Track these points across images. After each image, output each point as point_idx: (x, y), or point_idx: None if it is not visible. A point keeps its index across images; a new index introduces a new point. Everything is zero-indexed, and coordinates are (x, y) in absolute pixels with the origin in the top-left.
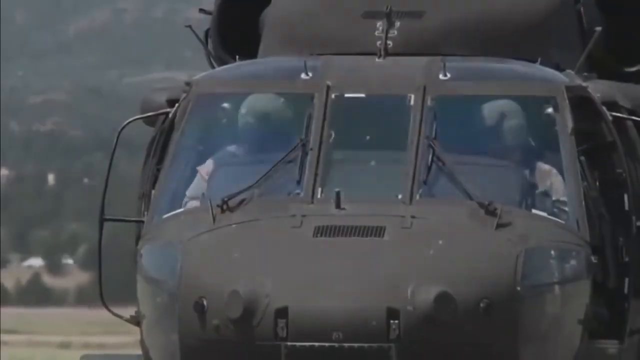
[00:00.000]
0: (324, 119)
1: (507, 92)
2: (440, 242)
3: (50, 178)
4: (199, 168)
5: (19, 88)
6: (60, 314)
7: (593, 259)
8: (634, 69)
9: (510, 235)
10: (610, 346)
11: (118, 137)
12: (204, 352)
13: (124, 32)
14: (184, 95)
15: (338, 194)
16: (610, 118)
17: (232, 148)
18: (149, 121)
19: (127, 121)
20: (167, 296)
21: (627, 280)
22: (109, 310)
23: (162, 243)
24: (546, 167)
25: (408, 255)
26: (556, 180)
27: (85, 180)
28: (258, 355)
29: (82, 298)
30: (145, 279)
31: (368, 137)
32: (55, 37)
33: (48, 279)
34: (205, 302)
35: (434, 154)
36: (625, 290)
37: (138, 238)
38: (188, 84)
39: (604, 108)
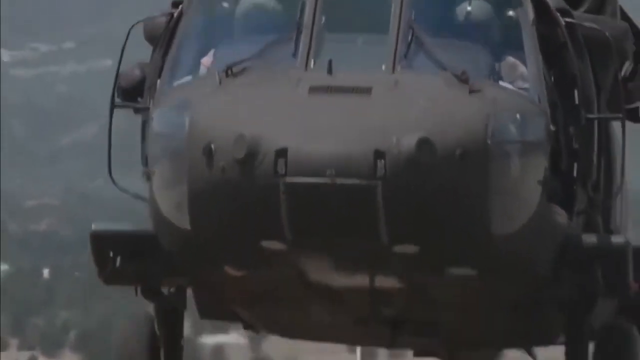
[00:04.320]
0: (315, 3)
1: None
2: (421, 100)
3: (46, 272)
4: (202, 60)
5: (16, 193)
6: None
7: (552, 127)
8: None
9: (481, 98)
10: (562, 215)
11: (126, 40)
12: (209, 195)
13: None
14: None
15: (330, 62)
16: (564, 23)
17: (232, 37)
18: (151, 37)
19: (136, 22)
20: (177, 146)
21: (575, 165)
22: (116, 185)
23: (173, 102)
24: (511, 60)
25: (393, 109)
26: (519, 68)
27: (76, 273)
28: (259, 192)
29: None
30: (156, 135)
31: (355, 20)
32: (48, 148)
33: None
34: (213, 146)
35: (413, 34)
36: (574, 174)
37: (143, 126)
38: None
39: (558, 14)
